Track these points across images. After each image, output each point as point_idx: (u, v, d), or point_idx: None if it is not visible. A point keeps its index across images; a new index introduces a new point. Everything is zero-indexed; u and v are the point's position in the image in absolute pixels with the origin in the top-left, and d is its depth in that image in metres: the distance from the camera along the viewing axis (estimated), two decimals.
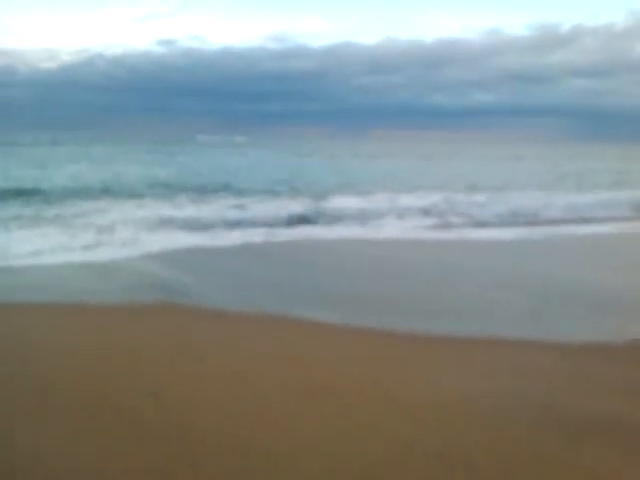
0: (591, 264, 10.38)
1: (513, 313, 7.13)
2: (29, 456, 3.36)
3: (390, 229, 14.26)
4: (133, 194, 19.58)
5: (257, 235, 12.61)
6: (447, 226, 14.94)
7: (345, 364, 5.08)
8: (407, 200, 19.28)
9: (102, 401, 4.10)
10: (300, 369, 4.92)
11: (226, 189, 22.09)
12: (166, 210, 15.88)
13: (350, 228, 14.23)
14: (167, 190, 21.15)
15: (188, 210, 16.16)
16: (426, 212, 16.73)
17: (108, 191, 20.37)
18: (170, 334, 6.01)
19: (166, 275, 8.93)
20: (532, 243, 12.73)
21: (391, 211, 16.69)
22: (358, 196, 19.97)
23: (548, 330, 6.43)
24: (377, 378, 4.71)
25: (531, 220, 16.27)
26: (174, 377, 4.62)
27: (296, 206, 17.13)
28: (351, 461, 3.35)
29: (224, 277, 9.04)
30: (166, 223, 13.77)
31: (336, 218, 15.52)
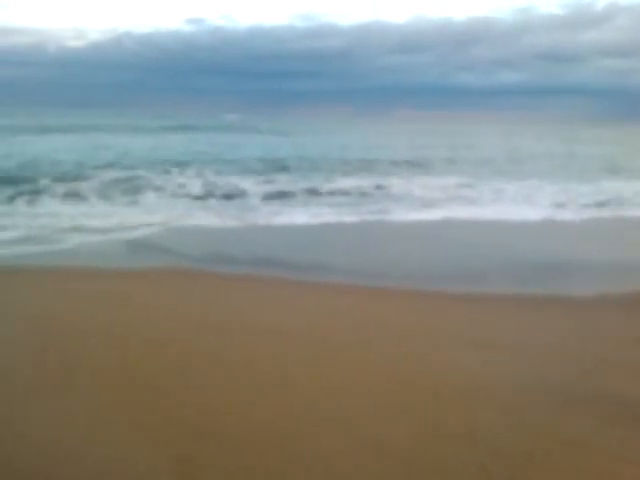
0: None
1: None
2: (52, 435, 3.37)
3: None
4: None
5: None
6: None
7: (370, 345, 5.04)
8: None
9: (126, 378, 4.13)
10: (324, 347, 4.91)
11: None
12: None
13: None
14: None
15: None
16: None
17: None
18: (193, 305, 6.11)
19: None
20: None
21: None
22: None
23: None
24: (402, 360, 4.68)
25: None
26: (197, 352, 4.66)
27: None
28: (377, 441, 3.35)
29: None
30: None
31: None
